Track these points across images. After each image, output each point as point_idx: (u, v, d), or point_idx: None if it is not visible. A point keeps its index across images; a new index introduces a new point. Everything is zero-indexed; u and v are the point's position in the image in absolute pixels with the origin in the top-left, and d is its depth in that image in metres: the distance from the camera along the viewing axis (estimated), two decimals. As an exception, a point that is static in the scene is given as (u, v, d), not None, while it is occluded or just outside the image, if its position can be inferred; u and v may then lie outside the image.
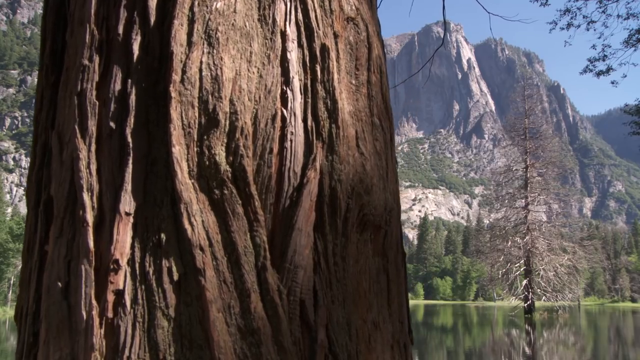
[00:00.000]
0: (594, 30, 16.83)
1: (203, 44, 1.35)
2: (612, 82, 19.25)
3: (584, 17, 18.57)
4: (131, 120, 1.33)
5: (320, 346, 1.33)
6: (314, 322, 1.34)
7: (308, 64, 1.49)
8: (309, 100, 1.47)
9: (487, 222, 63.51)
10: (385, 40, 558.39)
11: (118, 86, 1.36)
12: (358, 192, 1.50)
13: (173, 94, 1.30)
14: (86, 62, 1.40)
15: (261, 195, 1.37)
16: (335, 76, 1.51)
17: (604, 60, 18.83)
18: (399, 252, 1.73)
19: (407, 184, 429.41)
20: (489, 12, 8.08)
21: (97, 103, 1.37)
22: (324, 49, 1.51)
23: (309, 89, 1.48)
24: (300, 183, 1.40)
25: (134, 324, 1.21)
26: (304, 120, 1.45)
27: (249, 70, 1.39)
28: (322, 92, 1.49)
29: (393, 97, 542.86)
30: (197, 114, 1.32)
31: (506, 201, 48.55)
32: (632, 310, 76.75)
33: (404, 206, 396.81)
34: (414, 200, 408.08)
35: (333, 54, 1.53)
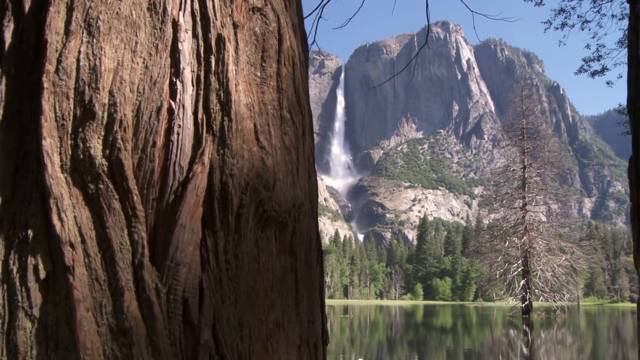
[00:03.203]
0: (589, 30, 16.79)
1: (82, 33, 1.30)
2: (608, 83, 19.20)
3: (578, 16, 18.53)
4: None
5: (203, 347, 1.28)
6: (197, 322, 1.29)
7: (202, 55, 1.45)
8: (201, 92, 1.42)
9: (487, 222, 63.41)
10: (385, 40, 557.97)
11: None
12: (254, 188, 1.45)
13: (46, 85, 1.25)
14: None
15: (142, 190, 1.32)
16: (231, 67, 1.46)
17: (598, 60, 18.79)
18: (311, 250, 1.67)
19: (407, 184, 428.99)
20: (472, 11, 8.06)
21: None
22: (220, 39, 1.46)
23: (202, 80, 1.43)
24: (186, 178, 1.35)
25: None
26: (195, 112, 1.40)
27: (133, 60, 1.34)
28: (216, 84, 1.44)
29: (393, 97, 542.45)
30: (72, 106, 1.27)
31: (504, 201, 48.48)
32: (631, 311, 76.51)
33: (403, 207, 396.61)
34: (413, 200, 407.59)
35: (230, 45, 1.48)
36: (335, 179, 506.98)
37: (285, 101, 1.62)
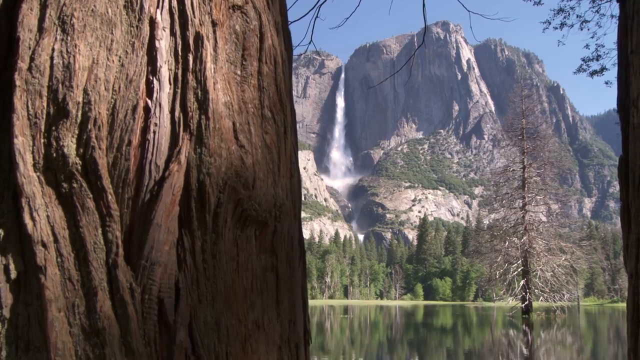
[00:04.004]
0: (588, 29, 16.78)
1: (56, 31, 1.29)
2: (606, 83, 19.18)
3: (577, 16, 18.51)
4: None
5: (178, 347, 1.27)
6: (173, 322, 1.28)
7: (180, 53, 1.43)
8: (179, 90, 1.41)
9: (487, 222, 63.36)
10: (385, 41, 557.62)
11: None
12: (233, 187, 1.44)
13: (18, 82, 1.24)
14: None
15: (117, 189, 1.31)
16: (209, 65, 1.45)
17: (597, 60, 18.78)
18: (293, 249, 1.66)
19: (407, 184, 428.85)
20: (469, 11, 8.04)
21: None
22: (198, 37, 1.45)
23: (180, 78, 1.42)
24: (162, 176, 1.33)
25: None
26: (172, 111, 1.39)
27: (108, 58, 1.33)
28: (193, 82, 1.43)
29: (393, 98, 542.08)
30: (45, 104, 1.26)
31: (504, 202, 48.46)
32: (631, 311, 76.27)
33: (403, 207, 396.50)
34: (413, 201, 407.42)
35: (209, 43, 1.47)
36: (335, 179, 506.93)
37: (266, 100, 1.61)
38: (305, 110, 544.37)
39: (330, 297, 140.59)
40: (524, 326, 33.38)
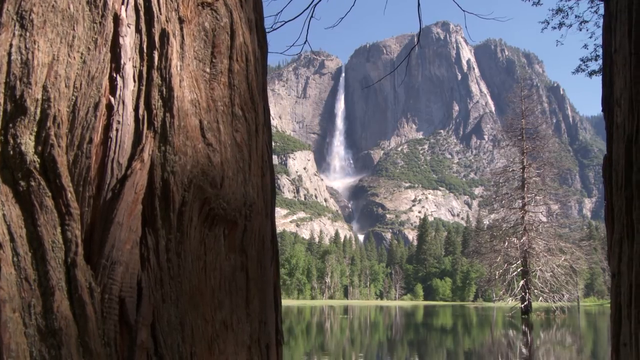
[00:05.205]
0: (586, 29, 16.80)
1: (14, 26, 1.27)
2: (605, 83, 19.12)
3: (576, 16, 18.50)
4: None
5: (139, 347, 1.25)
6: (134, 322, 1.26)
7: (145, 50, 1.42)
8: (143, 88, 1.39)
9: (487, 222, 63.32)
10: (385, 41, 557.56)
11: None
12: (198, 185, 1.42)
13: (-26, 79, 1.22)
14: None
15: (78, 187, 1.29)
16: (175, 63, 1.43)
17: (596, 60, 18.76)
18: (265, 248, 1.64)
19: (407, 184, 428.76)
20: (464, 11, 8.03)
21: None
22: (164, 34, 1.43)
23: (144, 76, 1.40)
24: (124, 175, 1.32)
25: None
26: (135, 109, 1.37)
27: (69, 55, 1.31)
28: (158, 79, 1.41)
29: (392, 98, 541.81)
30: (2, 101, 1.24)
31: (504, 202, 48.45)
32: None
33: (403, 207, 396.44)
34: (413, 201, 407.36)
35: (175, 40, 1.45)
36: (335, 180, 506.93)
37: (237, 98, 1.59)
38: (305, 111, 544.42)
39: (330, 298, 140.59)
40: (523, 326, 33.36)
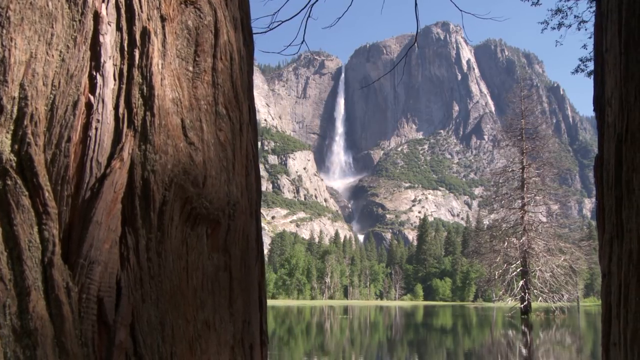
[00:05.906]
0: (585, 30, 16.77)
1: None
2: (604, 83, 19.14)
3: (575, 17, 18.49)
4: None
5: (118, 347, 1.24)
6: (113, 322, 1.25)
7: (126, 49, 1.41)
8: (124, 86, 1.38)
9: (487, 223, 63.29)
10: (385, 41, 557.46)
11: None
12: (180, 184, 1.41)
13: (-51, 78, 1.21)
14: None
15: (56, 186, 1.27)
16: (156, 61, 1.42)
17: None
18: (249, 248, 1.63)
19: (407, 185, 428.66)
20: (461, 10, 8.02)
21: None
22: (145, 32, 1.42)
23: (125, 74, 1.39)
24: (104, 174, 1.30)
25: None
26: (115, 107, 1.36)
27: (48, 53, 1.30)
28: (139, 78, 1.40)
29: (393, 98, 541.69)
30: None
31: (504, 202, 48.43)
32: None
33: (403, 207, 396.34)
34: (413, 201, 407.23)
35: (157, 38, 1.44)
36: (335, 180, 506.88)
37: (221, 96, 1.58)
38: (305, 111, 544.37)
39: (330, 298, 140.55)
40: (523, 326, 33.34)
